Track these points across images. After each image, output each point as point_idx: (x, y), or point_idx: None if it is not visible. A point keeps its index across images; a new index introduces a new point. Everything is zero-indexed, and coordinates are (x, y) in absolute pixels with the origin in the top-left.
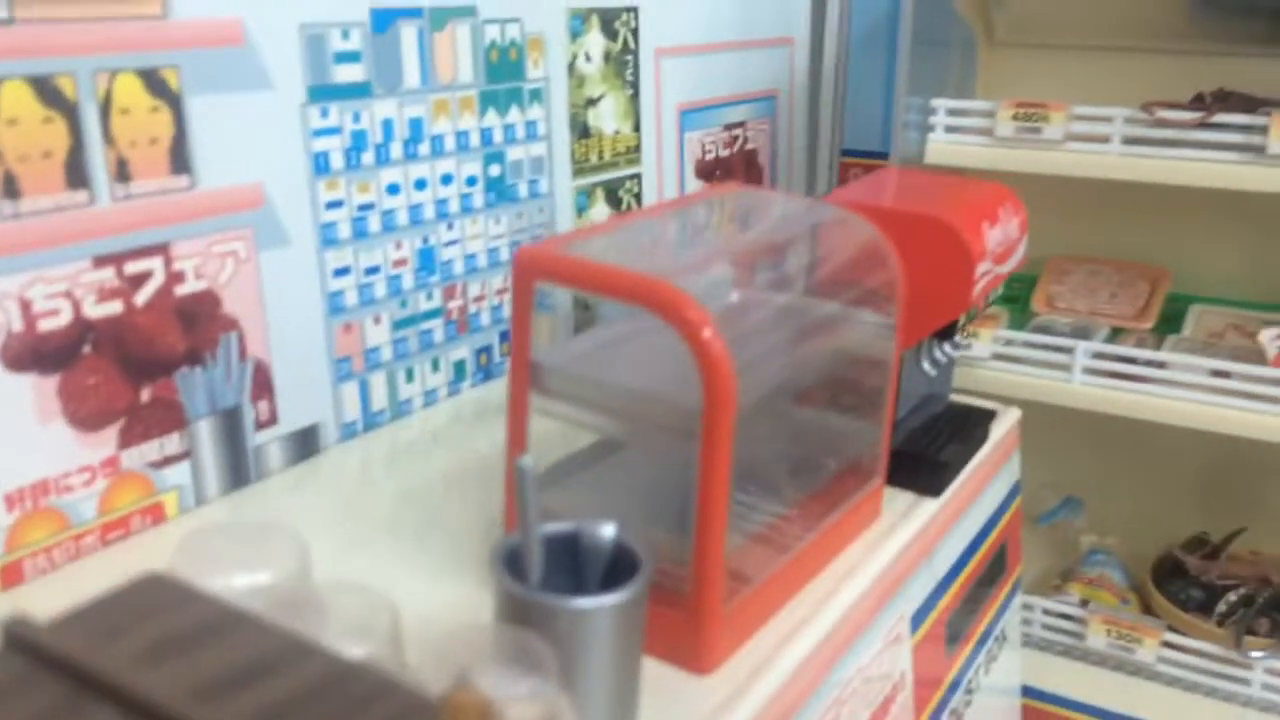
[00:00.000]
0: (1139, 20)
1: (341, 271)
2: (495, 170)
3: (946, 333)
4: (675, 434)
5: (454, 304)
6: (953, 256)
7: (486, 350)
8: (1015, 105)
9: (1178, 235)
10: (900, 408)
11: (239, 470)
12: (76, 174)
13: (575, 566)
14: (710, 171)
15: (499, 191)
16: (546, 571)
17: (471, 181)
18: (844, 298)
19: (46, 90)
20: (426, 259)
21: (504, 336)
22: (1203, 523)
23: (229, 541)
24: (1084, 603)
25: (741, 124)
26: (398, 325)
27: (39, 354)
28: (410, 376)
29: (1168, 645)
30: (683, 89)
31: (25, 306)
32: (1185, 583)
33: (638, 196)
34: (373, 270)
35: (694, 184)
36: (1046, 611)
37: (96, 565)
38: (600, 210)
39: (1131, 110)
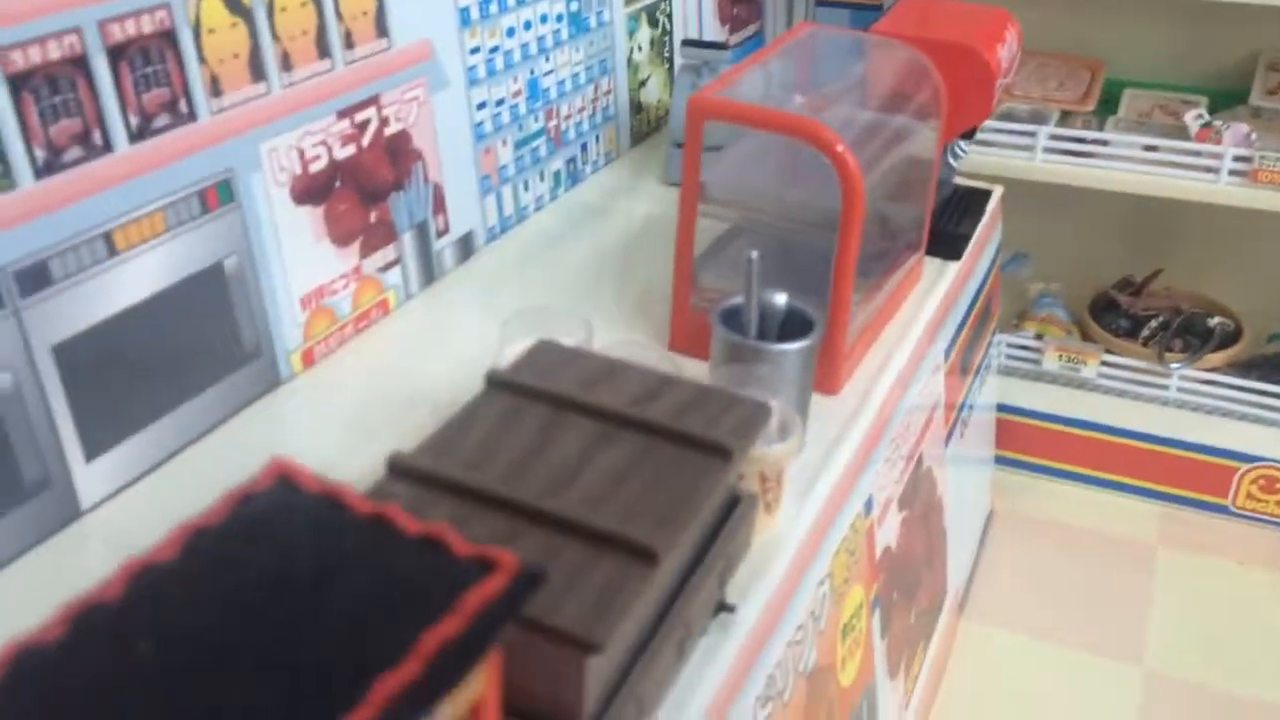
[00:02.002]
0: None
1: (481, 105)
2: (574, 6)
3: (968, 134)
4: (815, 227)
5: (552, 124)
6: (979, 74)
7: (572, 160)
8: None
9: (1111, 29)
10: None
11: (428, 271)
12: (322, 46)
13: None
14: None
15: (577, 24)
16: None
17: (559, 19)
18: (903, 112)
19: None
20: (533, 88)
21: (584, 147)
22: (1128, 268)
23: (538, 320)
24: (1038, 336)
25: None
26: (517, 145)
27: (311, 190)
28: (526, 186)
29: (1105, 364)
30: None
31: (301, 154)
32: (1116, 315)
33: (669, 16)
34: (499, 102)
35: (709, 2)
36: (1010, 345)
37: (354, 347)
38: (644, 33)
39: None
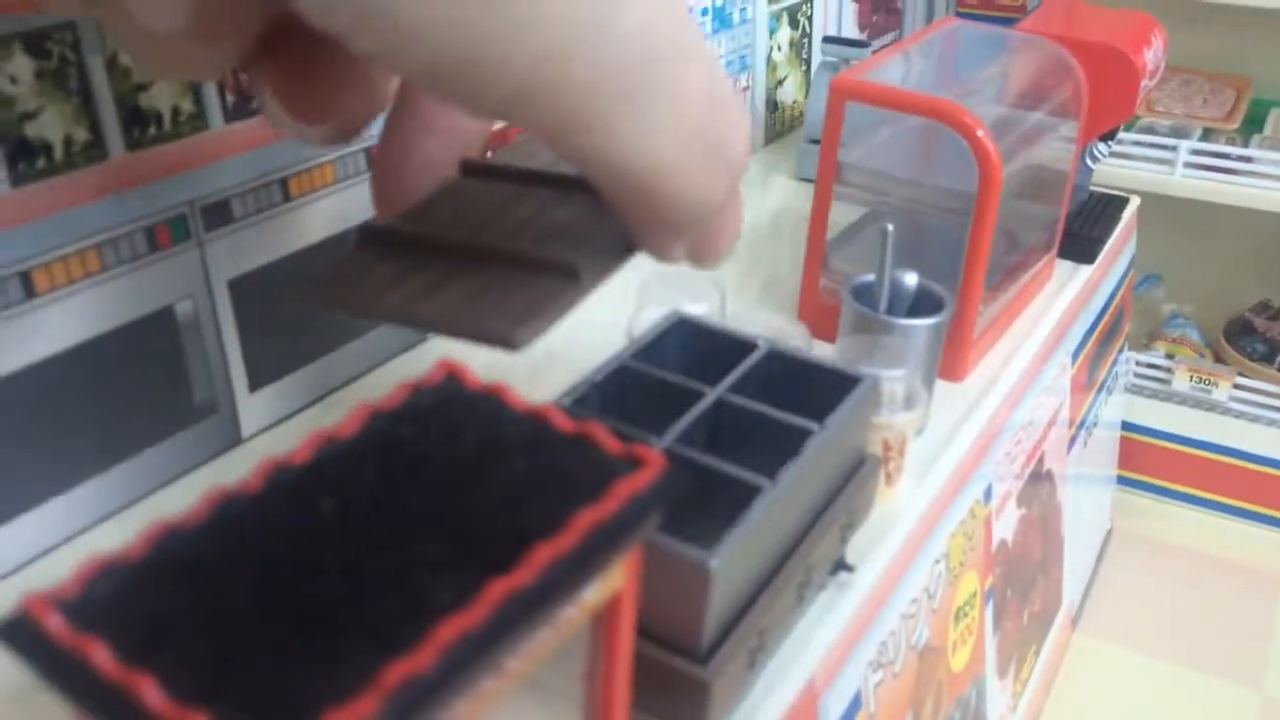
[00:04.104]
0: None
1: None
2: (720, 1)
3: (1108, 136)
4: (945, 211)
5: None
6: (1123, 76)
7: None
8: None
9: (1260, 46)
10: None
11: None
12: None
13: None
14: None
15: (720, 19)
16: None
17: (704, 12)
18: (1042, 109)
19: None
20: None
21: None
22: (1266, 292)
23: (672, 285)
24: (1170, 356)
25: None
26: None
27: None
28: None
29: (1238, 388)
30: None
31: None
32: (1252, 339)
33: (810, 19)
34: None
35: (849, 6)
36: (1139, 363)
37: None
38: (784, 33)
39: None
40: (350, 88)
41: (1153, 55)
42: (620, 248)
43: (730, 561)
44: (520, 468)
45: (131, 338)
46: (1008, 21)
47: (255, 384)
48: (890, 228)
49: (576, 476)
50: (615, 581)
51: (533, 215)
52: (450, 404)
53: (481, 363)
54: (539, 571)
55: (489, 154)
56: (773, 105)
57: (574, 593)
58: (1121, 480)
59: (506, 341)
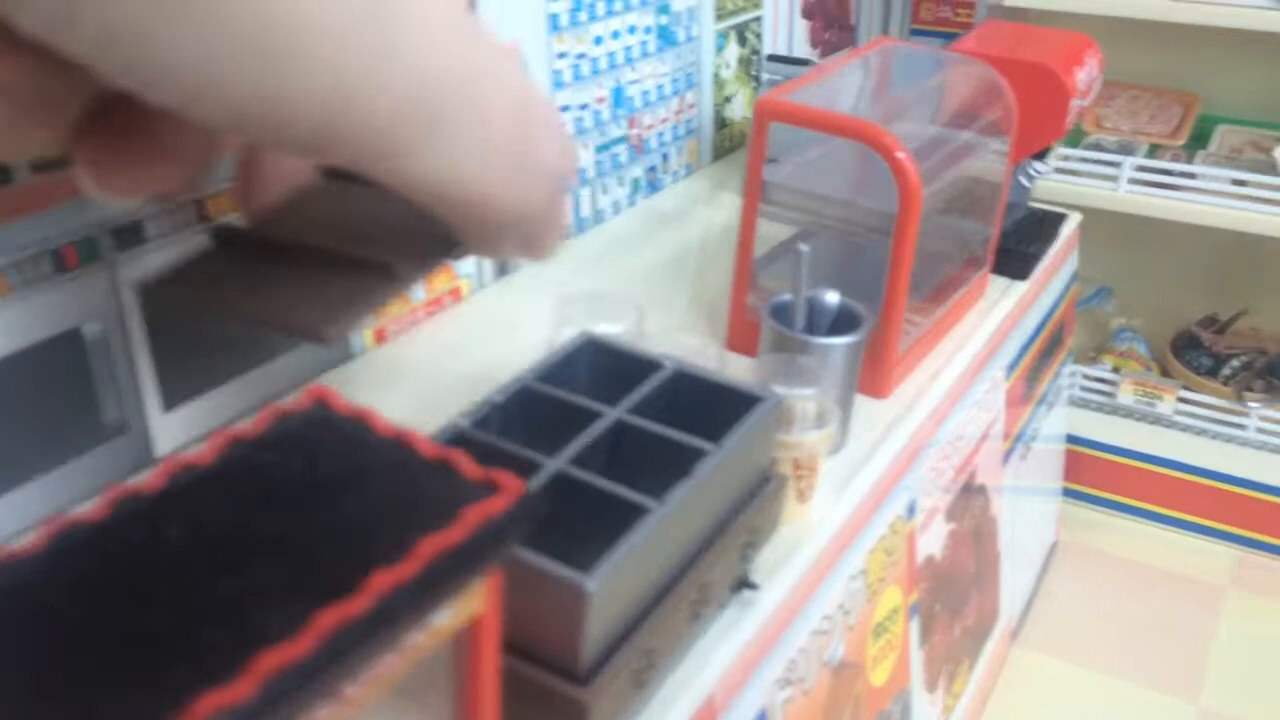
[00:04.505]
0: None
1: (565, 108)
2: (664, 20)
3: (1040, 154)
4: (869, 230)
5: (634, 132)
6: (1054, 95)
7: (653, 169)
8: None
9: (1207, 64)
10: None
11: (503, 264)
12: None
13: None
14: (811, 11)
15: (665, 38)
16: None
17: (648, 30)
18: (972, 128)
19: None
20: (618, 95)
21: (665, 157)
22: (1213, 306)
23: (590, 304)
24: (1115, 369)
25: None
26: (598, 150)
27: None
28: (605, 190)
29: (1183, 401)
30: None
31: None
32: (1197, 352)
33: (759, 36)
34: (583, 107)
35: (800, 23)
36: (1086, 376)
37: (425, 328)
38: (733, 50)
39: None
40: (165, 159)
41: (1085, 75)
42: (447, 246)
43: (610, 583)
44: (375, 494)
45: (37, 359)
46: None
47: (170, 403)
48: (804, 248)
49: (431, 502)
50: (473, 605)
51: (369, 215)
52: (315, 429)
53: (413, 389)
54: (376, 599)
55: None
56: (720, 122)
57: (418, 619)
58: (1068, 493)
59: (316, 336)
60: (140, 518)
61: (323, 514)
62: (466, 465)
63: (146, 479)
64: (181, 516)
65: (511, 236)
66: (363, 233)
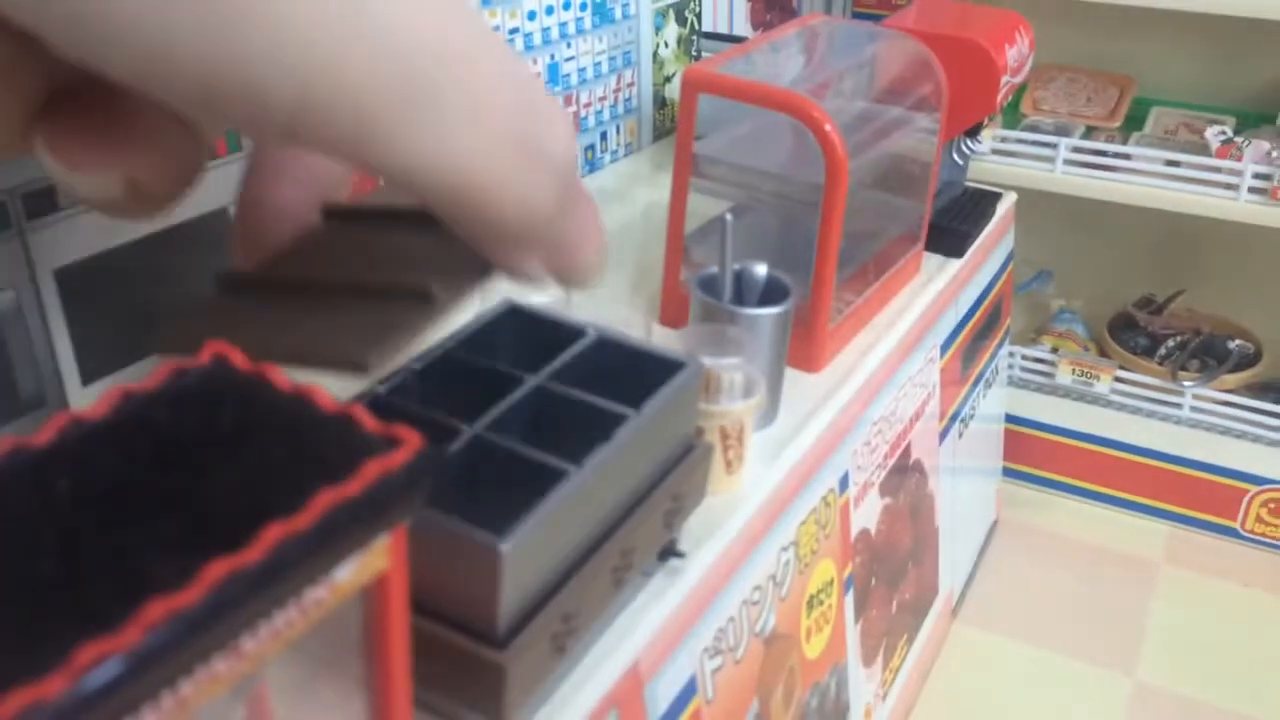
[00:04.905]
0: None
1: None
2: None
3: (973, 131)
4: (801, 204)
5: (570, 109)
6: (984, 71)
7: (590, 147)
8: None
9: (1143, 46)
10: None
11: None
12: None
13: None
14: None
15: (601, 15)
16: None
17: (582, 7)
18: (903, 103)
19: None
20: (553, 72)
21: (603, 135)
22: (1151, 287)
23: None
24: (1054, 350)
25: None
26: None
27: None
28: None
29: (1119, 380)
30: None
31: None
32: (1134, 333)
33: (699, 16)
34: None
35: (741, 4)
36: (1024, 357)
37: None
38: (671, 29)
39: None
40: (134, 142)
41: (1016, 53)
42: (477, 269)
43: (525, 545)
44: (273, 449)
45: None
46: None
47: (89, 376)
48: (729, 217)
49: (329, 457)
50: (377, 562)
51: (390, 248)
52: (212, 385)
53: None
54: (267, 551)
55: None
56: (660, 102)
57: (314, 573)
58: (1007, 472)
59: (359, 366)
60: (26, 470)
61: (218, 468)
62: (367, 420)
63: (36, 434)
64: (70, 469)
65: (529, 242)
66: (386, 264)
